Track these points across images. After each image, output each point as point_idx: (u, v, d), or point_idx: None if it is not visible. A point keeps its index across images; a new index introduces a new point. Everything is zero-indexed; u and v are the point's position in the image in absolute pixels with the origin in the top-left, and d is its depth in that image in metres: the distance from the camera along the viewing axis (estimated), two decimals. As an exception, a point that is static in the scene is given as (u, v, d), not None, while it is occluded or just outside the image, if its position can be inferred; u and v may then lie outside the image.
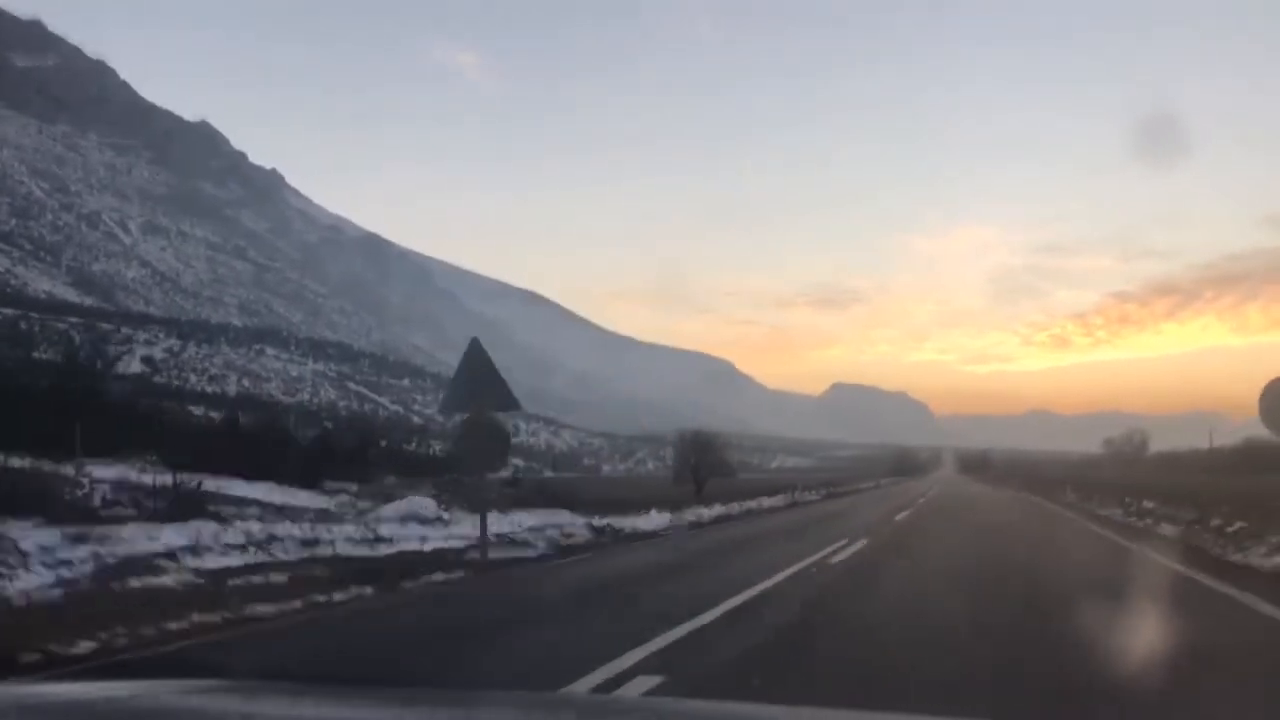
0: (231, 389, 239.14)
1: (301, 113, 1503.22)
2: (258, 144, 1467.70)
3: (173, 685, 2.89)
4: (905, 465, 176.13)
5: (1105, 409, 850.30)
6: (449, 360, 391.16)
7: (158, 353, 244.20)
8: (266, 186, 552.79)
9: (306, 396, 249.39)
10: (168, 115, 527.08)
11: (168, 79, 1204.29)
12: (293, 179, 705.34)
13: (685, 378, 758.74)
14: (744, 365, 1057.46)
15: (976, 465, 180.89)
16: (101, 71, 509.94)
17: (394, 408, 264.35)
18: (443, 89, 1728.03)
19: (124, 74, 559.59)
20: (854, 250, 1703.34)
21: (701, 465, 46.58)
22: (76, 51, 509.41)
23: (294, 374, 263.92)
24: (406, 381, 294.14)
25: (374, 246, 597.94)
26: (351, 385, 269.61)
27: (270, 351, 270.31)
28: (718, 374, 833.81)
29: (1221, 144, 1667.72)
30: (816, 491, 49.58)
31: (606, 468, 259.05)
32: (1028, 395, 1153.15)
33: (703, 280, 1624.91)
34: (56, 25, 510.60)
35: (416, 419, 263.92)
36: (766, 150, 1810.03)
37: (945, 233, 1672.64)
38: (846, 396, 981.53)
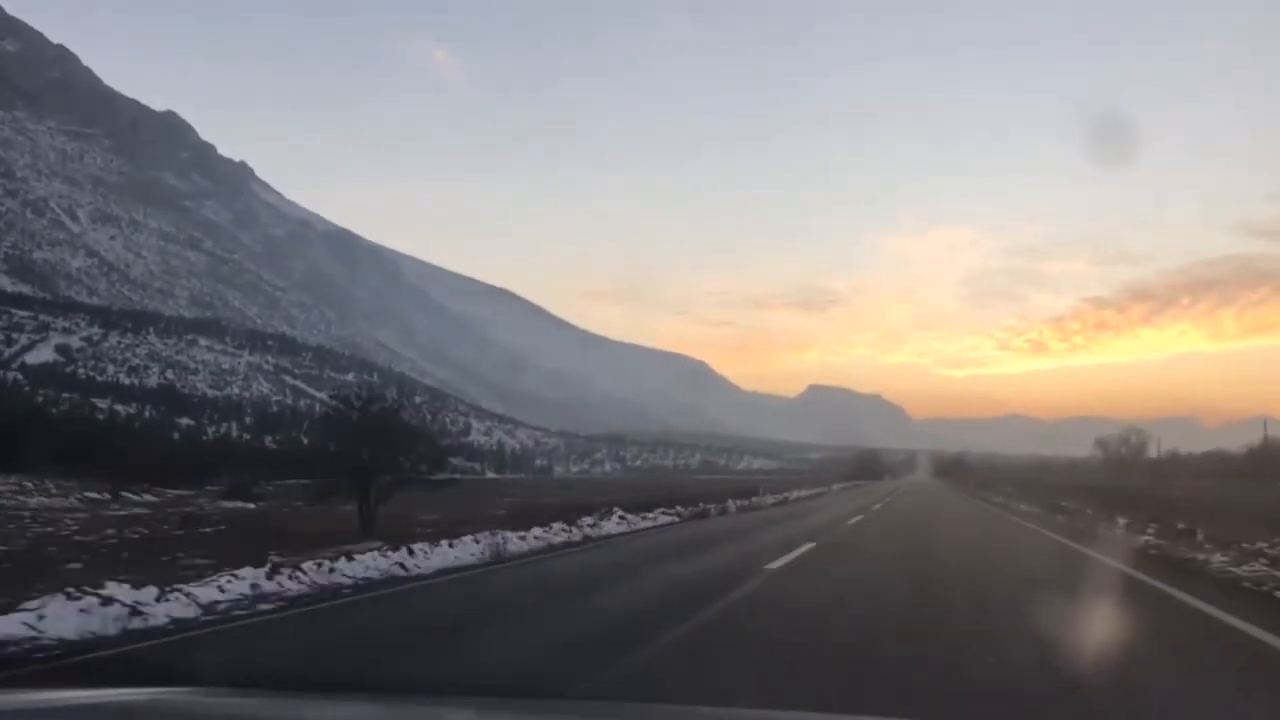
0: (153, 380, 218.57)
1: (276, 108, 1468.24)
2: (228, 137, 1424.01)
3: (144, 692, 2.84)
4: (869, 468, 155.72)
5: (1082, 414, 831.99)
6: (414, 357, 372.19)
7: (75, 342, 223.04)
8: (234, 179, 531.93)
9: (236, 390, 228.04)
10: (133, 104, 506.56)
11: (136, 69, 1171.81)
12: (263, 173, 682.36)
13: (660, 378, 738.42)
14: (719, 366, 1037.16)
15: (952, 469, 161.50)
16: (64, 58, 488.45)
17: (333, 403, 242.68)
18: (418, 86, 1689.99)
19: (89, 62, 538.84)
20: (831, 252, 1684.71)
21: (377, 468, 23.58)
22: (39, 37, 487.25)
23: (225, 366, 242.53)
24: (351, 376, 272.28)
25: (343, 242, 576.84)
26: (288, 379, 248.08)
27: (203, 343, 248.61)
28: (693, 374, 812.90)
29: (1195, 149, 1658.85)
30: (679, 510, 28.98)
31: (559, 469, 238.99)
32: (1004, 399, 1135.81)
33: (679, 280, 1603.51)
34: (16, 9, 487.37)
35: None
36: (744, 150, 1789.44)
37: (922, 235, 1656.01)
38: (821, 399, 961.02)
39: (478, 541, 15.06)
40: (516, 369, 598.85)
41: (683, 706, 4.70)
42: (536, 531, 17.65)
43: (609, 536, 19.68)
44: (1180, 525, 19.63)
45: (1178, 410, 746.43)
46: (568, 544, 17.43)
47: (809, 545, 17.17)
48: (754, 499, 39.89)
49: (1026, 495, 47.64)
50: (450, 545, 14.38)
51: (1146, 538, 19.49)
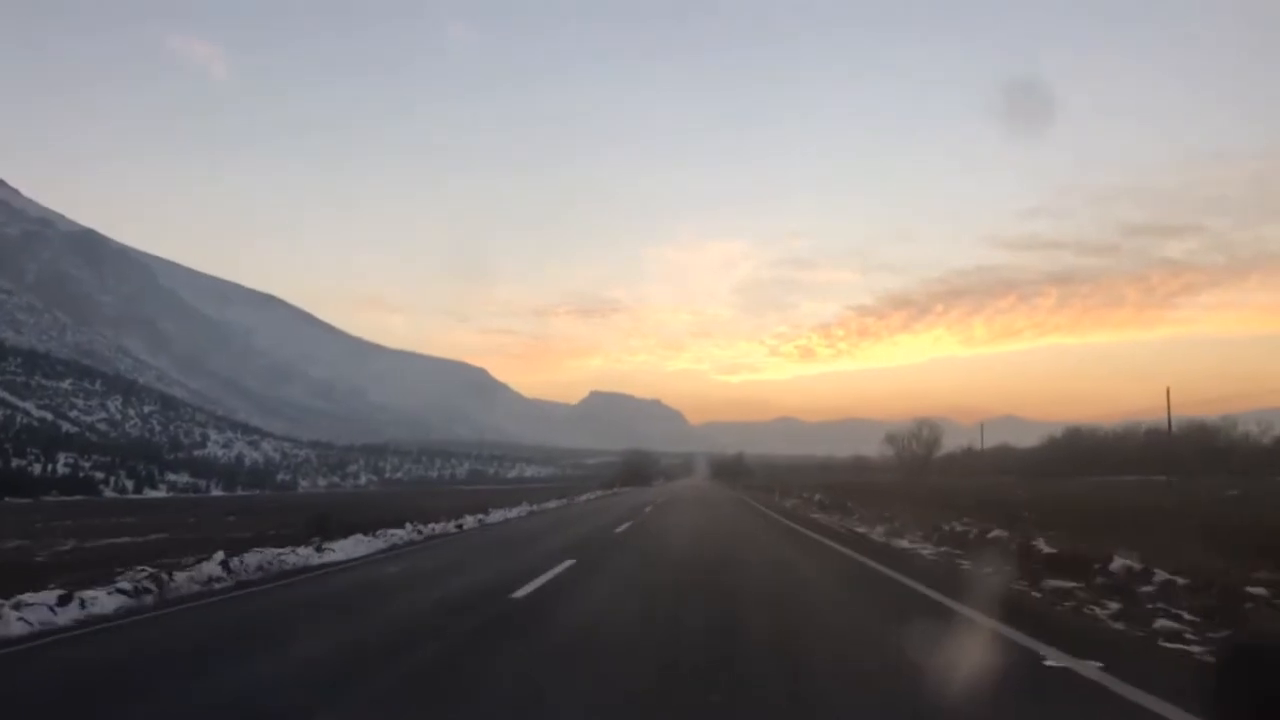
0: None
1: (16, 99, 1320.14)
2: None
3: None
4: (638, 472, 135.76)
5: (847, 415, 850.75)
6: (163, 366, 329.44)
7: None
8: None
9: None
10: None
11: None
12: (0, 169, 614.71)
13: (439, 386, 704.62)
14: (501, 374, 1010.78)
15: (730, 470, 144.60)
16: None
17: (41, 413, 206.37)
18: (178, 80, 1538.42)
19: None
20: (614, 262, 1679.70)
21: None
22: None
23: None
24: (68, 384, 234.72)
25: (89, 243, 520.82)
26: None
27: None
28: (472, 382, 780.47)
29: (951, 167, 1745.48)
30: None
31: (305, 483, 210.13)
32: (775, 402, 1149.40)
33: (461, 288, 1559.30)
34: None
35: (69, 426, 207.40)
36: (528, 161, 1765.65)
37: (700, 246, 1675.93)
38: (602, 404, 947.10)
39: None
40: (283, 379, 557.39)
41: None
42: None
43: None
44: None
45: (934, 411, 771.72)
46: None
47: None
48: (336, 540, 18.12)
49: (884, 514, 27.89)
50: None
51: None
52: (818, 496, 37.47)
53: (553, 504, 42.88)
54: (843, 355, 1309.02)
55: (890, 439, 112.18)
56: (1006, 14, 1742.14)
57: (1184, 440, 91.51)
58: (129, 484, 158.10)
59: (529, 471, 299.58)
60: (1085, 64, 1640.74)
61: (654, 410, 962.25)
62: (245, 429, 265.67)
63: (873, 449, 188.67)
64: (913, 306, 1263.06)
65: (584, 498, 54.10)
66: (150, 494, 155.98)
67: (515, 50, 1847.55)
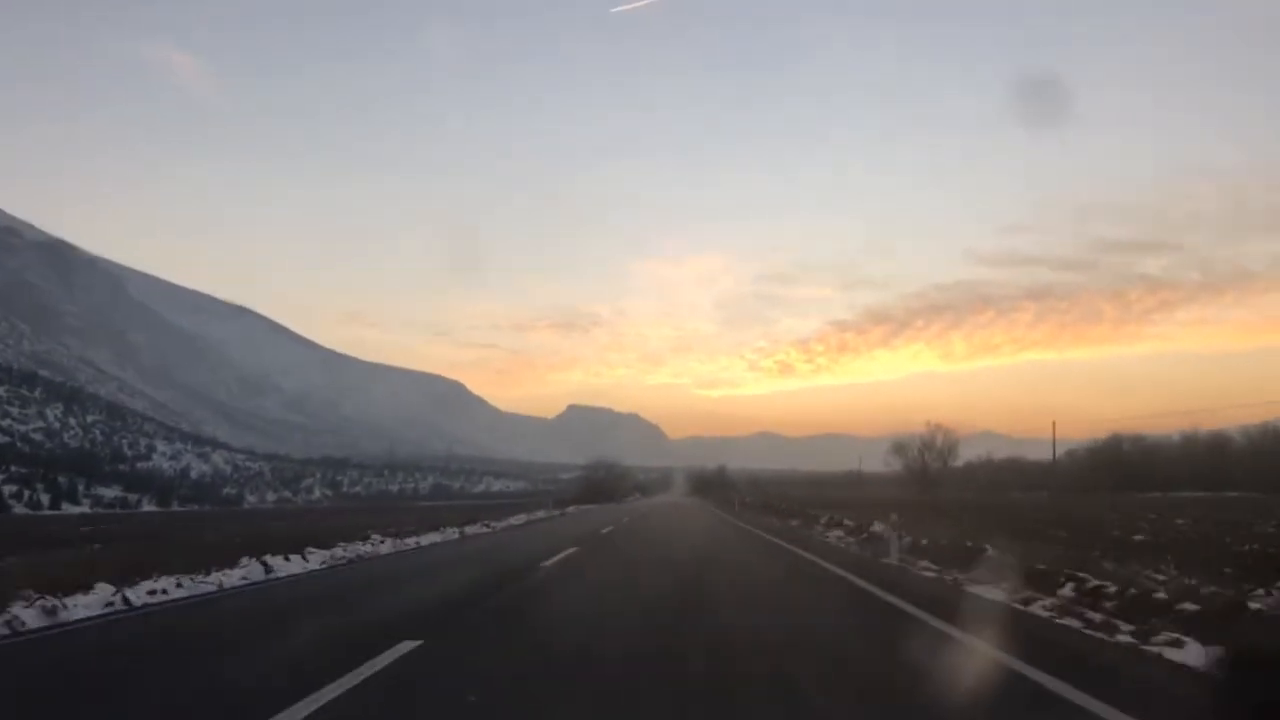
0: None
1: None
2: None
3: None
4: (605, 487, 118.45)
5: (826, 431, 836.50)
6: (127, 377, 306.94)
7: None
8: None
9: None
10: None
11: None
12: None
13: (413, 400, 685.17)
14: (479, 387, 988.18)
15: (713, 485, 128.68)
16: None
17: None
18: (150, 87, 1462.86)
19: None
20: (596, 275, 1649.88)
21: None
22: None
23: None
24: (2, 390, 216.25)
25: (57, 252, 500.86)
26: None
27: None
28: (447, 396, 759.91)
29: (928, 183, 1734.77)
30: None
31: (253, 498, 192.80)
32: (755, 417, 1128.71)
33: (440, 303, 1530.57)
34: None
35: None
36: (507, 175, 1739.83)
37: (681, 260, 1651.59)
38: (580, 418, 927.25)
39: None
40: (256, 391, 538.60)
41: None
42: None
43: None
44: None
45: (913, 427, 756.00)
46: None
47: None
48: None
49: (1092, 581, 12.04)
50: None
51: None
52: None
53: (438, 536, 26.58)
54: (822, 371, 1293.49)
55: (898, 448, 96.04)
56: (986, 31, 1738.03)
57: (1251, 452, 76.89)
58: (45, 498, 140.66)
59: (497, 485, 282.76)
60: (1067, 78, 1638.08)
61: (632, 424, 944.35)
62: (198, 440, 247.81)
63: (852, 463, 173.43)
64: (892, 322, 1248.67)
65: (507, 522, 37.70)
66: (69, 509, 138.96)
67: (500, 62, 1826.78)
